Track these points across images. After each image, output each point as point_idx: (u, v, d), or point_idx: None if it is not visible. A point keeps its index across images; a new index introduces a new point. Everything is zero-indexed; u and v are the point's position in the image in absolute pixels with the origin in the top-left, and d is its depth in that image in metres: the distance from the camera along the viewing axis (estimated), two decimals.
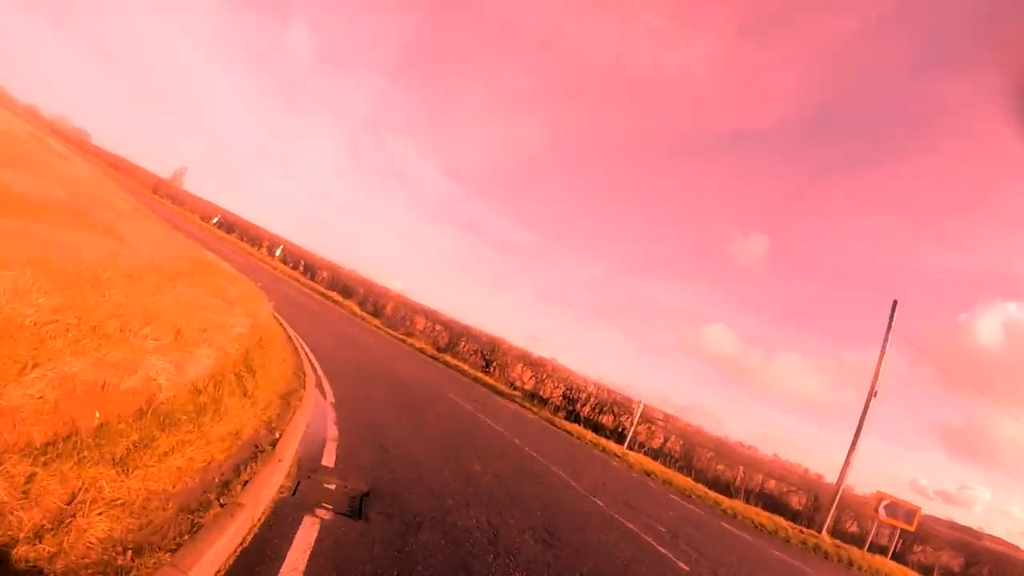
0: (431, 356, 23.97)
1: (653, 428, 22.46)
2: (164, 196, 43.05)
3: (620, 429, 22.57)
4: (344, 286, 32.94)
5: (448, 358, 25.00)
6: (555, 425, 18.30)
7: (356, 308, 29.47)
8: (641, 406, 20.55)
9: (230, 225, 39.66)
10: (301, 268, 35.48)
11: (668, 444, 22.48)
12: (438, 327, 29.52)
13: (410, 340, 26.05)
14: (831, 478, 17.58)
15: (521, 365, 27.64)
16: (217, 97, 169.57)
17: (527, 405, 20.63)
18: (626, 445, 19.20)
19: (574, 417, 22.51)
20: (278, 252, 37.01)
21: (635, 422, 20.45)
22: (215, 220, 38.85)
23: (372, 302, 31.37)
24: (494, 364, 27.07)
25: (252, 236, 38.46)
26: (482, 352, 27.34)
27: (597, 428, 21.38)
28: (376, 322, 28.01)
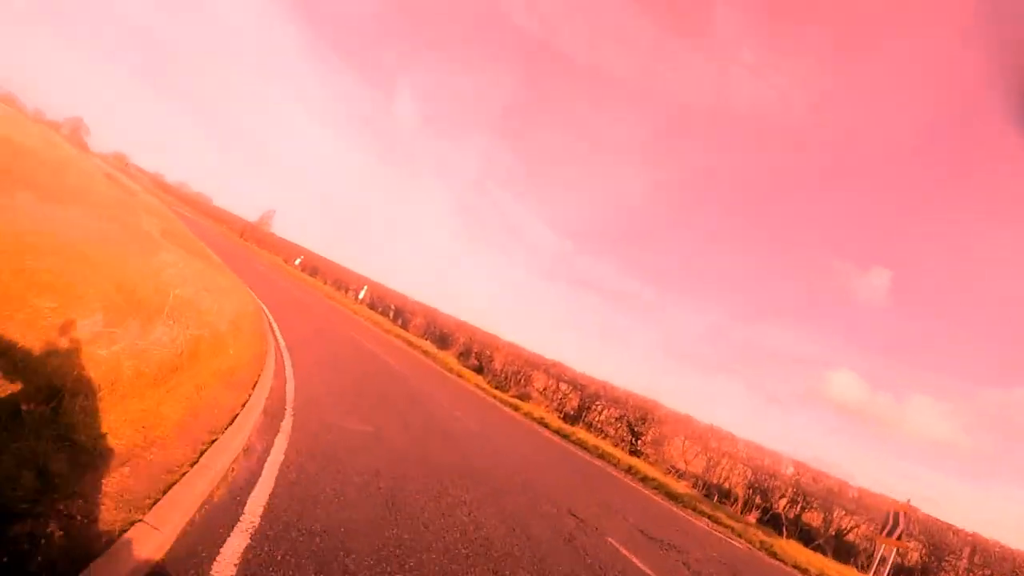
0: (556, 430, 16.87)
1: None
2: (249, 239, 40.91)
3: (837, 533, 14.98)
4: (441, 334, 27.13)
5: (580, 432, 17.79)
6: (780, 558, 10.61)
7: (454, 361, 23.46)
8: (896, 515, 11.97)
9: (314, 268, 35.87)
10: (391, 313, 30.35)
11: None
12: (563, 386, 22.64)
13: (526, 407, 19.09)
14: None
15: (683, 439, 20.01)
16: (327, 158, 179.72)
17: (712, 512, 13.01)
18: None
19: (774, 521, 15.12)
20: (362, 294, 32.25)
21: (890, 531, 11.81)
22: (297, 261, 35.27)
23: (476, 353, 25.18)
24: (645, 438, 19.64)
25: (337, 278, 34.24)
26: (628, 421, 19.99)
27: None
28: (479, 380, 21.63)
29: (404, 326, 28.48)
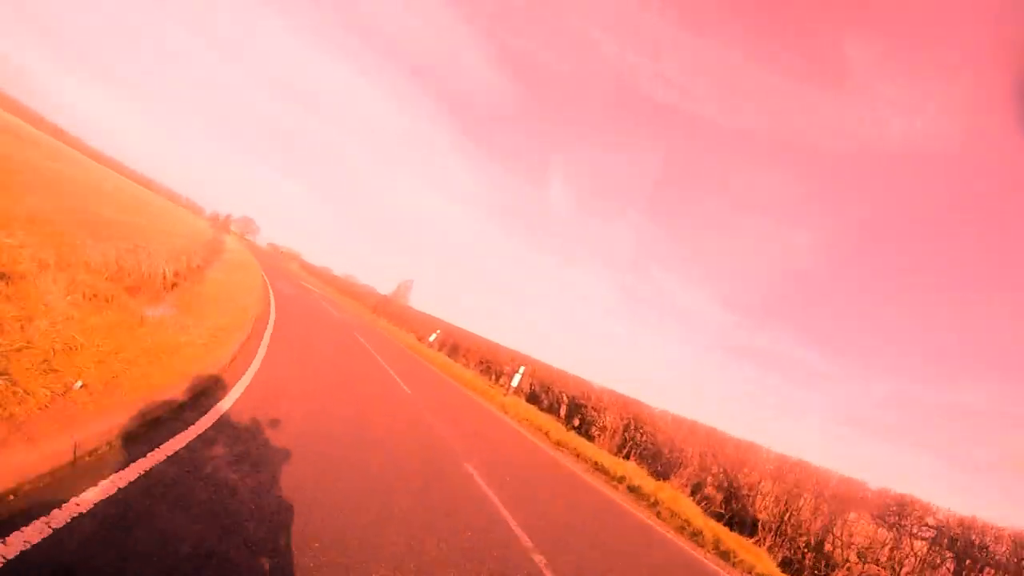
0: None
1: None
2: (382, 313, 35.31)
3: None
4: (653, 450, 16.35)
5: None
6: None
7: (704, 521, 12.55)
8: None
9: (454, 345, 27.92)
10: (562, 409, 20.39)
11: None
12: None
13: None
14: None
15: None
16: (481, 244, 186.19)
17: None
18: None
19: None
20: (517, 378, 22.95)
21: None
22: (432, 338, 27.68)
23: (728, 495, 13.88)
24: None
25: (485, 358, 25.63)
26: None
27: None
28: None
29: (586, 431, 18.32)
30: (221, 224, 54.54)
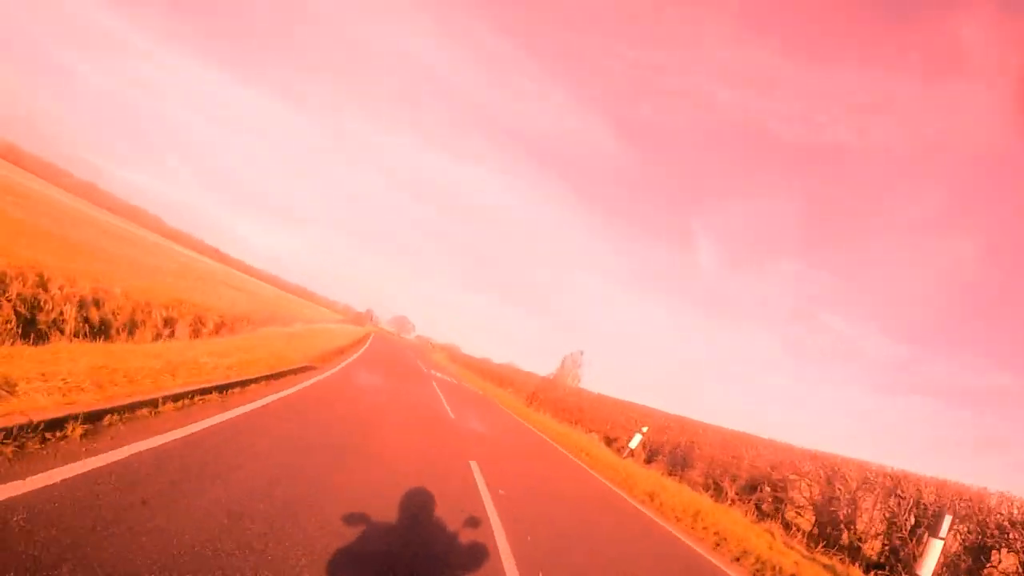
0: None
1: None
2: (541, 402, 24.42)
3: None
4: None
5: None
6: None
7: None
8: None
9: (684, 454, 15.44)
10: None
11: None
12: None
13: None
14: None
15: None
16: (636, 318, 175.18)
17: None
18: None
19: None
20: (635, 441, 9.53)
21: None
22: (633, 444, 15.62)
23: None
24: None
25: (752, 475, 12.71)
26: None
27: None
28: None
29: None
30: (355, 317, 53.56)
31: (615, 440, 18.76)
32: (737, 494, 12.52)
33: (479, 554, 4.23)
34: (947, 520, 6.63)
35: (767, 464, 12.70)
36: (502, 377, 33.60)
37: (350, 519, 3.84)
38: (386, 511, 4.33)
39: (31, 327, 6.20)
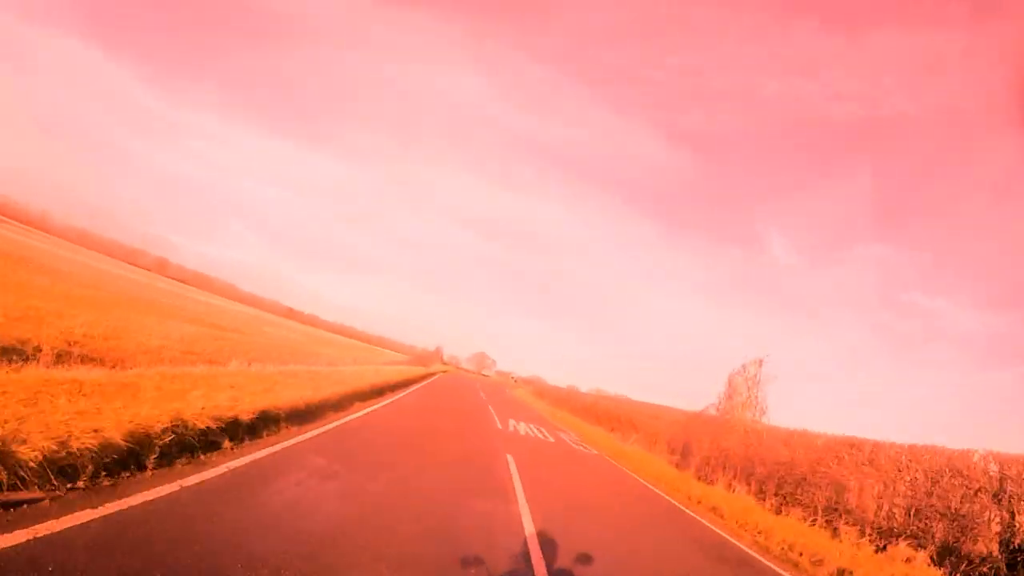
0: None
1: None
2: (734, 473, 12.79)
3: None
4: None
5: None
6: None
7: None
8: None
9: None
10: None
11: None
12: None
13: None
14: None
15: None
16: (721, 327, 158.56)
17: None
18: None
19: None
20: None
21: None
22: None
23: None
24: None
25: None
26: None
27: None
28: None
29: None
30: (419, 357, 45.05)
31: None
32: None
33: None
34: None
35: None
36: (618, 418, 22.16)
37: None
38: None
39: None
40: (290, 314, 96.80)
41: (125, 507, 3.32)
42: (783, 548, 8.26)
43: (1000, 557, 8.86)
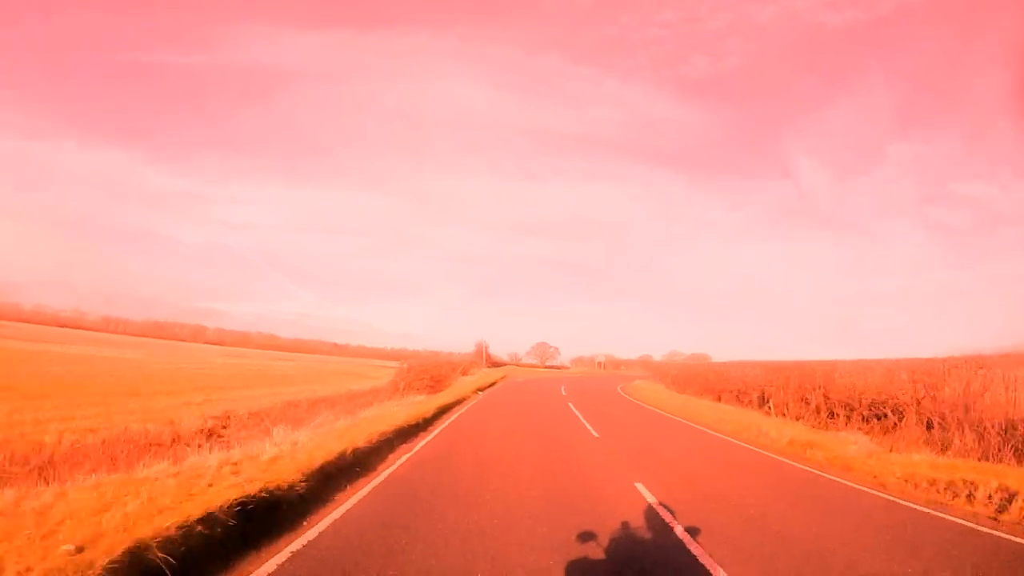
0: None
1: None
2: None
3: None
4: None
5: None
6: None
7: None
8: None
9: None
10: None
11: None
12: None
13: None
14: None
15: None
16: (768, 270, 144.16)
17: None
18: None
19: None
20: None
21: None
22: None
23: None
24: None
25: None
26: None
27: None
28: None
29: None
30: (437, 364, 32.86)
31: None
32: None
33: None
34: None
35: None
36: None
37: None
38: None
39: None
40: (333, 350, 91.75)
41: None
42: None
43: None
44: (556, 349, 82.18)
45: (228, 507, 3.92)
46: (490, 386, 29.14)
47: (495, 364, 57.92)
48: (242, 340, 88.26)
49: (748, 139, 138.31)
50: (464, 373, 34.39)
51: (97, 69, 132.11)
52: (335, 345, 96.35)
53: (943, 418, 10.85)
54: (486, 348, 58.49)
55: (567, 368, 78.26)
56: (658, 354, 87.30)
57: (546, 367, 74.07)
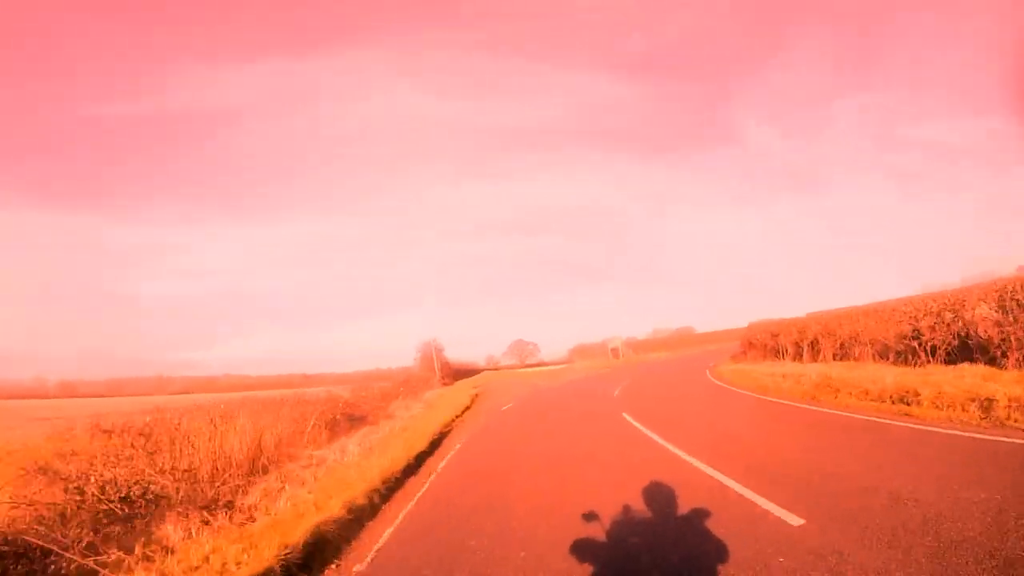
0: None
1: None
2: None
3: None
4: None
5: None
6: None
7: None
8: None
9: None
10: None
11: None
12: None
13: None
14: None
15: None
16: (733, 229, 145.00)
17: None
18: None
19: None
20: None
21: None
22: None
23: None
24: None
25: None
26: None
27: None
28: None
29: None
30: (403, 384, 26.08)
31: None
32: None
33: None
34: None
35: None
36: None
37: None
38: None
39: None
40: (301, 381, 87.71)
41: None
42: None
43: None
44: (534, 345, 79.28)
45: None
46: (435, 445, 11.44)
47: (460, 375, 52.54)
48: (208, 385, 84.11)
49: (699, 110, 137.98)
50: (411, 394, 27.05)
51: (29, 128, 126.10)
52: (305, 376, 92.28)
53: None
54: (438, 353, 46.19)
55: (571, 363, 62.10)
56: (641, 334, 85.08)
57: (525, 366, 71.22)
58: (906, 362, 13.32)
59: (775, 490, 4.91)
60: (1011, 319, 10.94)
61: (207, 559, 4.40)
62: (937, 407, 7.77)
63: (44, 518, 5.10)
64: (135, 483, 6.28)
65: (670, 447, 7.70)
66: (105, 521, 5.46)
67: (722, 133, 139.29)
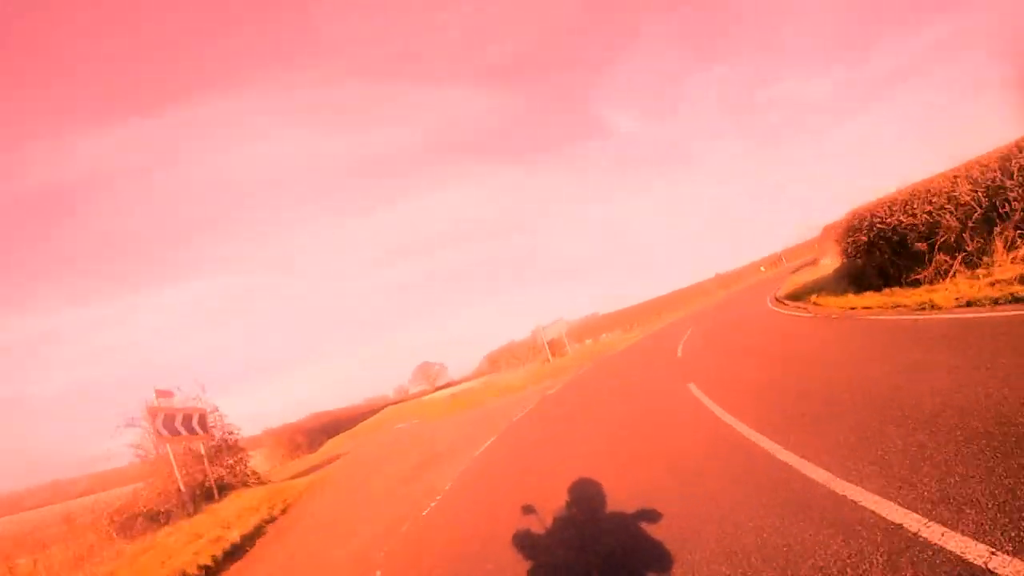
0: None
1: None
2: None
3: None
4: None
5: None
6: None
7: None
8: None
9: None
10: None
11: None
12: None
13: None
14: None
15: None
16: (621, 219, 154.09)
17: None
18: None
19: None
20: None
21: None
22: None
23: None
24: None
25: None
26: None
27: None
28: None
29: None
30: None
31: None
32: None
33: None
34: None
35: None
36: None
37: None
38: None
39: None
40: None
41: None
42: None
43: None
44: (441, 366, 77.70)
45: None
46: None
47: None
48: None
49: (560, 109, 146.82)
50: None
51: None
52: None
53: None
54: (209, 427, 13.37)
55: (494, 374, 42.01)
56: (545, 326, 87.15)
57: (436, 388, 69.51)
58: None
59: None
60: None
61: None
62: None
63: None
64: None
65: None
66: None
67: (592, 127, 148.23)
